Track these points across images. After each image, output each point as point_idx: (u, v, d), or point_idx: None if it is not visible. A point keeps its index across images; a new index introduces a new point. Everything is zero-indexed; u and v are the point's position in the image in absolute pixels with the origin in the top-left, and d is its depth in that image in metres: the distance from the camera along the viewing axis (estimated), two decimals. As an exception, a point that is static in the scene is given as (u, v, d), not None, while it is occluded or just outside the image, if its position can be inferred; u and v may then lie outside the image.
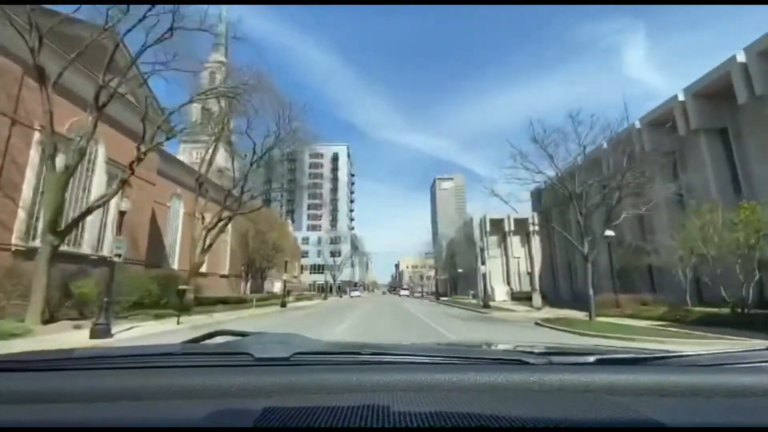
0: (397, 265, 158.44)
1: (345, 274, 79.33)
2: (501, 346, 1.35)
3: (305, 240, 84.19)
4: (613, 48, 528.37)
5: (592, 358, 0.90)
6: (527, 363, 0.87)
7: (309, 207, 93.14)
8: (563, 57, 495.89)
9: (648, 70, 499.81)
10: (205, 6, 15.11)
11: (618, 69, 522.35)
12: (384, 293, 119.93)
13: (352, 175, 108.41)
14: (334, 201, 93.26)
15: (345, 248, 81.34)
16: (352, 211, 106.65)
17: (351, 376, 0.76)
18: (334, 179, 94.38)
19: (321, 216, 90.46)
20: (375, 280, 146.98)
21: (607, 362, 0.90)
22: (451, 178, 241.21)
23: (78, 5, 11.91)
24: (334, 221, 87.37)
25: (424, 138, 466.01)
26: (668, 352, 0.97)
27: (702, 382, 0.74)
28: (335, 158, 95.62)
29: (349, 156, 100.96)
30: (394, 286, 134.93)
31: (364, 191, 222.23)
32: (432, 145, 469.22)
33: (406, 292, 72.06)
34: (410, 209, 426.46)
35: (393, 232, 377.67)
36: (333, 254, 71.56)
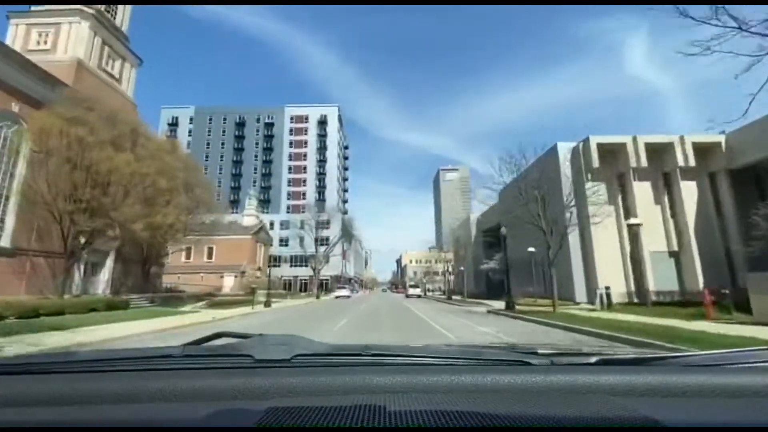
0: (398, 261, 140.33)
1: (335, 267, 60.64)
2: (503, 348, 1.26)
3: (284, 224, 65.43)
4: (615, 46, 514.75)
5: (593, 359, 0.89)
6: (529, 364, 0.86)
7: (290, 183, 74.10)
8: (565, 55, 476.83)
9: (648, 68, 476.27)
10: None
11: (619, 67, 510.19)
12: (384, 290, 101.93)
13: (346, 148, 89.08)
14: (320, 175, 74.09)
15: (335, 234, 62.66)
16: (345, 191, 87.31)
17: (352, 377, 0.76)
18: (322, 148, 75.14)
19: (305, 194, 71.29)
20: (374, 277, 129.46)
21: (609, 363, 0.89)
22: (456, 169, 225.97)
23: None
24: (320, 201, 68.20)
25: (426, 137, 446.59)
26: (669, 352, 0.92)
27: (703, 382, 0.74)
28: (323, 121, 76.37)
29: (341, 121, 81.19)
30: (396, 284, 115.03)
31: (365, 190, 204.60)
32: (433, 144, 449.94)
33: (417, 291, 48.34)
34: (412, 208, 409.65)
35: (394, 231, 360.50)
36: (318, 241, 53.31)
